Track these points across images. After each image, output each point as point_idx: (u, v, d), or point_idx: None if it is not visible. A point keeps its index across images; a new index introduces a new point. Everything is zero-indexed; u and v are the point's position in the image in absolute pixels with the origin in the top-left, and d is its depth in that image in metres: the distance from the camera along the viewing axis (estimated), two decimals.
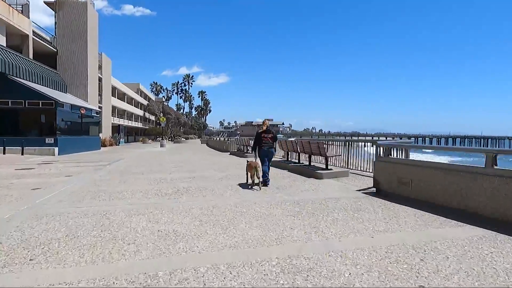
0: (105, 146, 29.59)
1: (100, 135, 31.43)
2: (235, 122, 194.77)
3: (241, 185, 7.68)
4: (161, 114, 69.77)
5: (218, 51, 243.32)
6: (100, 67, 33.07)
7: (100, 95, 33.08)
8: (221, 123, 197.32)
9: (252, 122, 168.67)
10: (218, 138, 40.59)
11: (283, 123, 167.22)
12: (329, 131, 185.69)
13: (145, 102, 71.58)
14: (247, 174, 7.61)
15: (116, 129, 45.52)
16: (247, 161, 7.64)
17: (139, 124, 63.13)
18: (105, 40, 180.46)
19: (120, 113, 52.05)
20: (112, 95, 44.93)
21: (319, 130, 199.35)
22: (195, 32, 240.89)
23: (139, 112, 65.75)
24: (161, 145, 31.33)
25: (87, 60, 28.35)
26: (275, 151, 7.99)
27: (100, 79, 33.00)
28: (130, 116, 58.59)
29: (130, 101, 60.08)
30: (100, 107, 32.47)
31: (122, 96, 53.67)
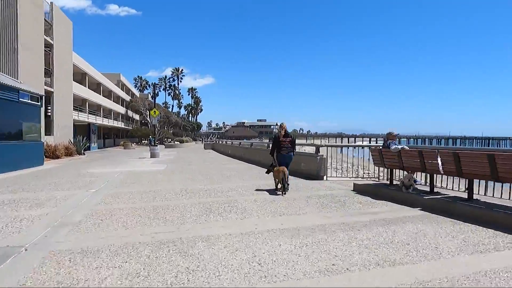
0: (56, 157, 17.33)
1: (49, 138, 19.00)
2: (223, 123, 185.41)
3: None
4: (147, 111, 57.26)
5: (204, 52, 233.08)
6: (49, 29, 20.60)
7: (49, 73, 20.61)
8: (209, 124, 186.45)
9: (244, 122, 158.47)
10: (224, 141, 29.00)
11: (276, 124, 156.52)
12: (316, 132, 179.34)
13: (127, 98, 58.77)
14: (275, 180, 7.47)
15: (86, 129, 32.92)
16: (272, 167, 7.48)
17: (119, 124, 50.30)
18: (87, 41, 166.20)
19: (94, 109, 39.39)
20: (80, 83, 32.46)
21: (308, 131, 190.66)
22: (181, 33, 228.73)
23: (120, 109, 52.99)
24: (152, 155, 19.22)
25: (16, 7, 16.07)
26: (293, 155, 7.69)
27: (49, 47, 20.50)
28: (108, 113, 45.94)
29: (109, 94, 47.38)
30: (48, 92, 20.11)
31: (97, 87, 40.99)
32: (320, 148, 10.35)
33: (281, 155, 7.37)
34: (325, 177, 9.56)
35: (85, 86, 34.29)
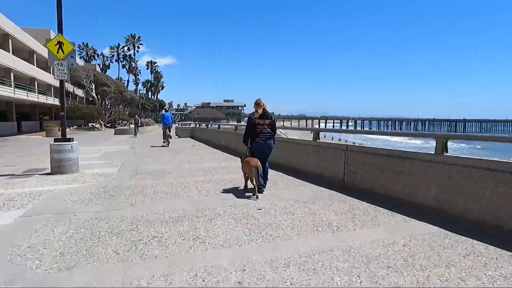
0: None
1: None
2: (185, 104, 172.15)
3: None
4: (92, 85, 43.06)
5: (164, 31, 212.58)
6: None
7: None
8: (170, 105, 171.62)
9: (209, 103, 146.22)
10: (210, 125, 17.96)
11: (245, 105, 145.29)
12: (279, 114, 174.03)
13: None
14: (244, 175, 5.53)
15: None
16: (243, 158, 5.57)
17: (49, 100, 36.03)
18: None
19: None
20: None
21: (271, 113, 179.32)
22: (139, 10, 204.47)
23: (50, 78, 38.49)
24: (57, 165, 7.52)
25: None
26: (274, 143, 5.59)
27: None
28: (28, 83, 31.83)
29: (30, 56, 33.02)
30: None
31: (3, 41, 26.96)
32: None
33: (257, 144, 5.38)
34: None
35: None
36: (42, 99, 32.10)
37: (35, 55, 33.65)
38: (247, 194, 5.31)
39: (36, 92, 32.93)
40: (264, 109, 5.47)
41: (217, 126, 15.81)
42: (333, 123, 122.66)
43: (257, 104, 5.47)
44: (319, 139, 7.07)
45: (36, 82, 33.76)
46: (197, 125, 21.40)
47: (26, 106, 33.19)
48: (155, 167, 8.34)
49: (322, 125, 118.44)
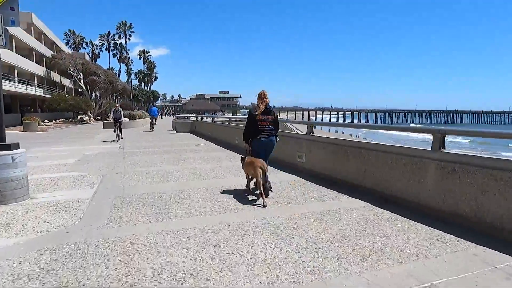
0: None
1: None
2: (179, 95, 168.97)
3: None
4: (80, 74, 39.66)
5: (157, 21, 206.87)
6: None
7: None
8: (164, 97, 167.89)
9: (204, 95, 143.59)
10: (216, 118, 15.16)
11: (240, 96, 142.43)
12: (274, 106, 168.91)
13: (48, 53, 40.29)
14: (247, 176, 5.10)
15: None
16: (243, 157, 5.17)
17: (31, 90, 32.64)
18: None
19: None
20: None
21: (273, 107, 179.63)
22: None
23: (33, 67, 35.00)
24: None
25: None
26: (276, 141, 5.15)
27: None
28: (8, 71, 28.49)
29: (9, 41, 29.53)
30: None
31: None
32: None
33: (259, 142, 4.95)
34: None
35: None
36: (21, 88, 28.63)
37: (13, 40, 30.14)
38: (251, 198, 4.69)
39: (16, 81, 29.59)
40: (267, 104, 5.02)
41: (227, 120, 12.66)
42: (330, 115, 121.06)
43: (261, 97, 5.00)
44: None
45: (16, 71, 30.37)
46: (199, 118, 18.44)
47: (5, 97, 29.84)
48: (151, 185, 5.56)
49: (319, 117, 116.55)
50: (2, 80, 4.72)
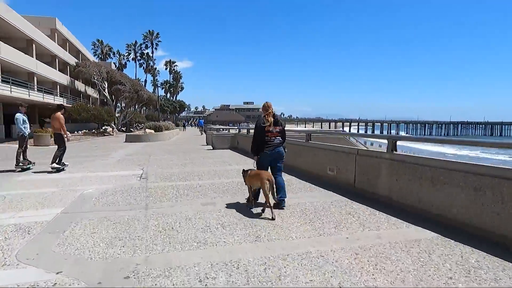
0: None
1: None
2: (203, 107, 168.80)
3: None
4: (105, 83, 37.20)
5: (181, 34, 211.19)
6: None
7: None
8: (188, 108, 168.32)
9: (229, 105, 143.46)
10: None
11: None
12: (297, 117, 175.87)
13: (72, 61, 38.29)
14: (249, 189, 4.79)
15: None
16: (245, 170, 4.97)
17: (48, 98, 30.09)
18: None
19: None
20: None
21: (289, 116, 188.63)
22: (157, 13, 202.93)
23: (56, 75, 32.74)
24: None
25: None
26: (285, 151, 5.03)
27: None
28: (27, 79, 26.10)
29: (28, 45, 27.29)
30: None
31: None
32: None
33: (266, 155, 4.81)
34: None
35: None
36: (35, 96, 25.91)
37: (33, 45, 27.86)
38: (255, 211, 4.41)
39: (35, 89, 27.13)
40: (274, 115, 4.96)
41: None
42: (358, 126, 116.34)
43: (266, 109, 4.90)
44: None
45: (35, 78, 27.99)
46: (242, 131, 14.42)
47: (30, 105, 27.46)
48: None
49: (346, 129, 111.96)
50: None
